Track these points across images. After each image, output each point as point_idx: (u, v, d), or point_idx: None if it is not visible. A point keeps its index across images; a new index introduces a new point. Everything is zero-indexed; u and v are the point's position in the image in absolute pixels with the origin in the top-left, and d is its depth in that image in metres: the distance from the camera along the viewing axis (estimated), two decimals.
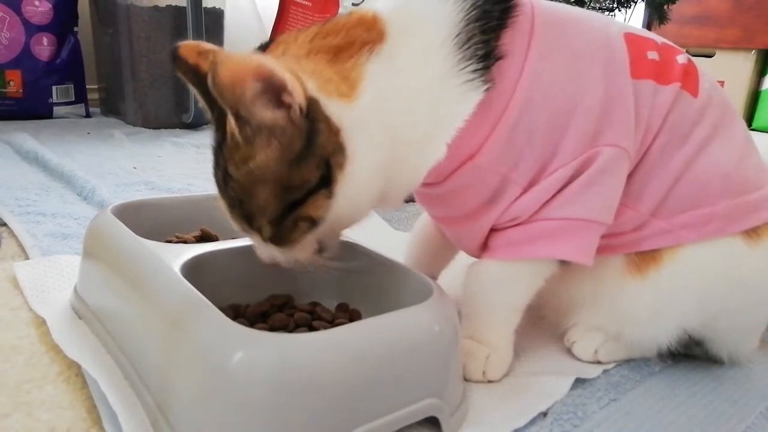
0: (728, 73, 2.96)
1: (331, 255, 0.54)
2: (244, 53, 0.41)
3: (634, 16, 2.33)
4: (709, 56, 3.02)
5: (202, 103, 0.52)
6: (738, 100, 2.95)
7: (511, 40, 0.52)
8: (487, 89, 0.51)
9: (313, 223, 0.49)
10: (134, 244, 0.59)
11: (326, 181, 0.47)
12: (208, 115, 0.51)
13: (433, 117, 0.51)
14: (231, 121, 0.45)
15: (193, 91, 0.52)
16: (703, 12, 2.99)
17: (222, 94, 0.41)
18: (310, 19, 1.33)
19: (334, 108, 0.46)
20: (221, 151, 0.48)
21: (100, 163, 1.42)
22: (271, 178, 0.46)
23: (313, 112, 0.45)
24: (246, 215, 0.48)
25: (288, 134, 0.44)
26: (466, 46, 0.51)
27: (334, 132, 0.46)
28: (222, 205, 0.51)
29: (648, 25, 3.06)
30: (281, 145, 0.45)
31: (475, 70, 0.51)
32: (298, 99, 0.43)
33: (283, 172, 0.46)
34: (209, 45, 0.52)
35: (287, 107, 0.43)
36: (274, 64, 0.42)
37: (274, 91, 0.42)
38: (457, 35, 0.51)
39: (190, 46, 0.51)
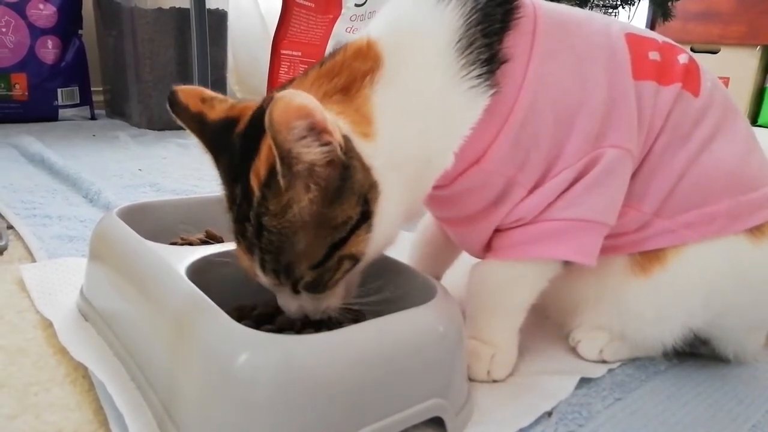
0: (733, 69, 2.94)
1: (354, 295, 0.53)
2: (290, 93, 0.40)
3: (638, 13, 2.32)
4: (714, 53, 3.00)
5: (206, 155, 0.50)
6: (743, 97, 2.93)
7: (514, 43, 0.52)
8: (493, 94, 0.51)
9: (356, 260, 0.48)
10: (139, 247, 0.59)
11: (366, 216, 0.47)
12: (214, 165, 0.50)
13: (442, 128, 0.51)
14: (260, 172, 0.44)
15: (197, 141, 0.50)
16: (708, 8, 2.97)
17: (277, 134, 0.40)
18: (313, 21, 1.33)
19: (362, 147, 0.46)
20: (249, 206, 0.45)
21: (105, 165, 1.43)
22: (314, 220, 0.45)
23: (348, 150, 0.45)
24: (284, 266, 0.46)
25: (327, 174, 0.44)
26: (468, 51, 0.51)
27: (367, 169, 0.46)
28: (246, 264, 0.49)
29: (652, 22, 3.05)
30: (320, 187, 0.44)
31: (480, 75, 0.51)
32: (337, 137, 0.43)
33: (327, 213, 0.45)
34: (210, 92, 0.51)
35: (327, 145, 0.43)
36: (316, 103, 0.41)
37: (317, 130, 0.42)
38: (458, 41, 0.51)
39: (191, 93, 0.51)
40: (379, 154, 0.47)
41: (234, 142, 0.48)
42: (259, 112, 0.48)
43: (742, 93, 2.92)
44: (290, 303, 0.50)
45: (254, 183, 0.45)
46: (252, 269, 0.48)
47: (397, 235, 0.52)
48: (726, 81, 2.95)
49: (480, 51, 0.51)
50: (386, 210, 0.48)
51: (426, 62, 0.51)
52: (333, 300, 0.51)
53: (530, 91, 0.52)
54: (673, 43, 0.62)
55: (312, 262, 0.46)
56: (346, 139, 0.45)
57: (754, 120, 2.98)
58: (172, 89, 0.51)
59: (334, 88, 0.49)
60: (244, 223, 0.46)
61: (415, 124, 0.50)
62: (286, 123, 0.40)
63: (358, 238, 0.47)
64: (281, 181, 0.43)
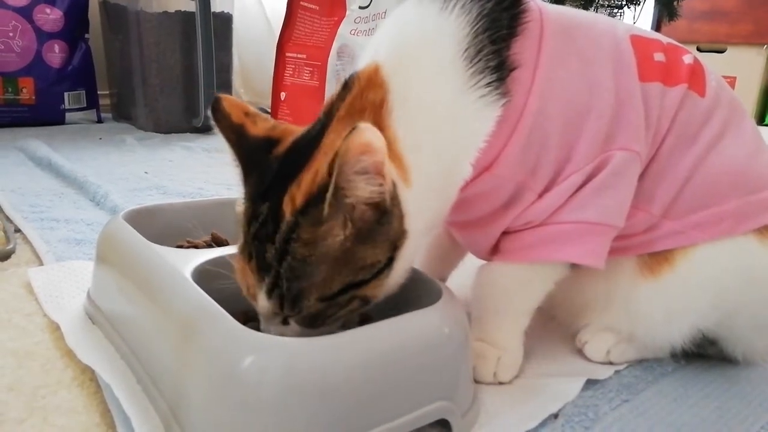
0: (740, 68, 2.93)
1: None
2: (367, 127, 0.40)
3: (644, 13, 2.32)
4: (721, 52, 2.99)
5: (236, 167, 0.50)
6: (750, 96, 2.92)
7: (522, 48, 0.52)
8: (505, 103, 0.51)
9: (367, 302, 0.48)
10: (146, 250, 0.59)
11: (390, 262, 0.47)
12: (242, 180, 0.49)
13: (457, 142, 0.51)
14: (296, 198, 0.44)
15: (229, 150, 0.50)
16: (714, 7, 2.96)
17: (344, 163, 0.40)
18: (318, 23, 1.34)
19: (403, 194, 0.46)
20: (275, 229, 0.45)
21: (112, 168, 1.43)
22: (342, 257, 0.45)
23: (394, 197, 0.45)
24: (293, 294, 0.45)
25: (368, 215, 0.44)
26: (476, 59, 0.50)
27: (402, 216, 0.46)
28: (246, 281, 0.48)
29: (658, 22, 3.04)
30: (357, 227, 0.44)
31: (489, 83, 0.50)
32: (388, 183, 0.43)
33: (357, 252, 0.45)
34: (254, 109, 0.51)
35: (380, 187, 0.43)
36: (383, 143, 0.41)
37: (376, 170, 0.42)
38: (466, 49, 0.50)
39: (236, 104, 0.50)
40: (413, 200, 0.47)
41: (270, 162, 0.48)
42: (304, 140, 0.48)
43: (749, 92, 2.91)
44: (274, 332, 0.48)
45: (287, 207, 0.44)
46: (251, 288, 0.48)
47: (408, 272, 0.51)
48: (733, 80, 2.94)
49: (489, 58, 0.51)
50: (407, 254, 0.48)
51: (433, 76, 0.50)
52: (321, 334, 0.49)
53: (539, 96, 0.52)
54: (678, 43, 0.62)
55: (323, 294, 0.45)
56: (393, 185, 0.45)
57: (761, 119, 2.96)
58: (217, 96, 0.51)
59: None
60: (265, 244, 0.45)
61: (435, 152, 0.50)
62: (357, 154, 0.40)
63: (378, 282, 0.47)
64: (325, 210, 0.43)
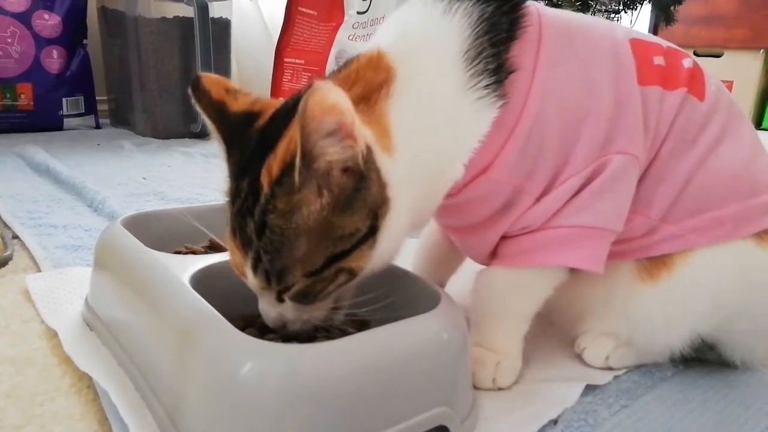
0: (737, 73, 2.94)
1: (345, 309, 0.52)
2: (328, 86, 0.39)
3: (641, 18, 2.32)
4: (718, 56, 3.00)
5: (219, 144, 0.50)
6: (747, 100, 2.93)
7: (520, 52, 0.52)
8: (502, 105, 0.51)
9: (353, 274, 0.47)
10: (144, 256, 0.59)
11: (372, 231, 0.46)
12: (224, 158, 0.49)
13: (452, 140, 0.51)
14: (273, 169, 0.43)
15: (212, 127, 0.50)
16: (711, 12, 2.97)
17: (306, 125, 0.39)
18: (316, 29, 1.34)
19: (382, 161, 0.46)
20: (255, 202, 0.44)
21: (110, 174, 1.43)
22: (320, 227, 0.44)
23: (369, 161, 0.44)
24: (277, 270, 0.45)
25: (342, 181, 0.43)
26: (476, 62, 0.51)
27: (383, 184, 0.46)
28: (236, 261, 0.48)
29: (655, 27, 3.05)
30: (333, 193, 0.43)
31: (488, 86, 0.51)
32: (360, 145, 0.43)
33: (335, 221, 0.44)
34: (235, 85, 0.51)
35: (350, 149, 0.42)
36: (349, 104, 0.41)
37: (344, 131, 0.41)
38: (467, 51, 0.51)
39: (215, 81, 0.50)
40: (395, 170, 0.47)
41: (251, 137, 0.47)
42: (281, 111, 0.48)
43: (746, 96, 2.92)
44: (270, 310, 0.48)
45: (265, 179, 0.44)
46: (241, 267, 0.47)
47: (399, 251, 0.51)
48: (730, 84, 2.95)
49: (488, 61, 0.51)
50: (393, 226, 0.47)
51: (435, 74, 0.51)
52: (317, 312, 0.49)
53: (536, 99, 0.52)
54: (677, 47, 0.62)
55: (308, 269, 0.45)
56: (368, 149, 0.44)
57: (758, 123, 2.97)
58: (198, 74, 0.51)
59: (356, 97, 0.48)
60: (246, 218, 0.45)
61: (427, 139, 0.50)
62: (319, 115, 0.39)
63: (361, 253, 0.46)
64: (296, 179, 0.42)
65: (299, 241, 0.44)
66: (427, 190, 0.52)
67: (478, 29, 0.51)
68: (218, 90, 0.50)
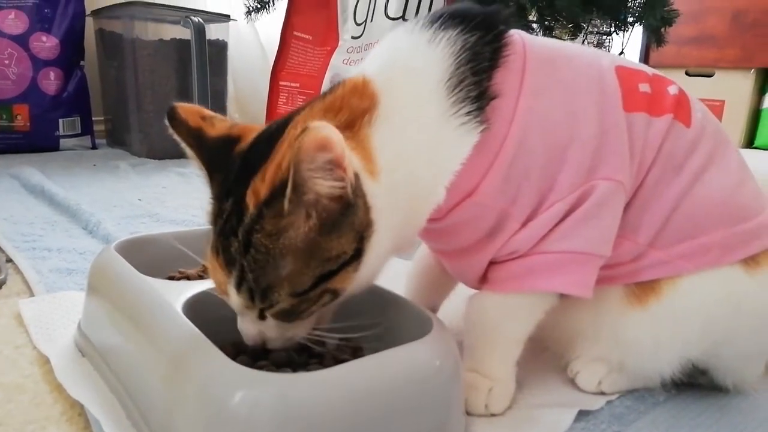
0: (728, 92, 2.97)
1: (326, 326, 0.52)
2: (320, 125, 0.41)
3: (632, 40, 2.35)
4: (709, 76, 3.03)
5: (199, 167, 0.51)
6: (739, 119, 2.96)
7: (504, 79, 0.53)
8: (483, 130, 0.52)
9: (336, 295, 0.48)
10: (137, 282, 0.59)
11: (358, 254, 0.47)
12: (207, 181, 0.51)
13: (433, 165, 0.52)
14: (260, 191, 0.44)
15: (191, 154, 0.51)
16: (702, 32, 3.01)
17: (300, 162, 0.41)
18: (311, 53, 1.36)
19: (368, 186, 0.47)
20: (239, 222, 0.45)
21: (105, 195, 1.44)
22: (307, 248, 0.45)
23: (357, 189, 0.46)
24: (262, 288, 0.45)
25: (331, 207, 0.44)
26: (458, 90, 0.52)
27: (368, 208, 0.47)
28: (218, 279, 0.48)
29: (646, 48, 3.09)
30: (321, 217, 0.44)
31: (469, 112, 0.52)
32: (350, 175, 0.44)
33: (322, 243, 0.45)
34: (210, 112, 0.53)
35: (340, 181, 0.44)
36: (340, 138, 0.42)
37: (335, 164, 0.43)
38: (448, 80, 0.52)
39: (191, 110, 0.52)
40: (379, 194, 0.48)
41: (233, 160, 0.49)
42: (265, 135, 0.49)
43: (737, 115, 2.95)
44: (251, 328, 0.49)
45: (251, 200, 0.45)
46: (223, 286, 0.48)
47: (380, 273, 0.52)
48: (721, 104, 2.98)
49: (469, 89, 0.52)
50: (376, 249, 0.48)
51: (418, 102, 0.52)
52: (299, 330, 0.50)
53: (520, 126, 0.53)
54: (662, 75, 0.63)
55: (295, 289, 0.46)
56: (356, 176, 0.46)
57: (750, 142, 3.00)
58: (172, 105, 0.52)
59: (341, 124, 0.49)
60: (230, 238, 0.46)
61: (409, 163, 0.51)
62: (311, 153, 0.41)
63: (346, 274, 0.47)
64: (286, 206, 0.43)
65: (285, 260, 0.45)
66: (410, 212, 0.52)
67: (460, 58, 0.53)
68: (194, 118, 0.52)
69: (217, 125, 0.52)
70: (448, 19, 0.55)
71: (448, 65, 0.53)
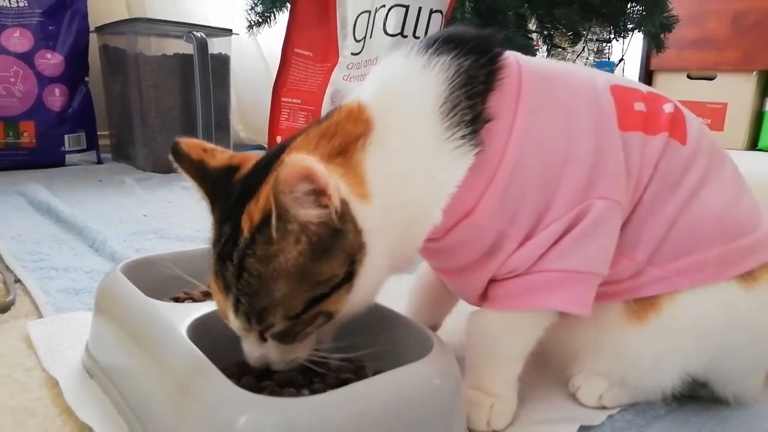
0: (730, 95, 2.98)
1: (327, 346, 0.53)
2: (298, 158, 0.42)
3: (632, 44, 2.36)
4: (711, 79, 3.04)
5: (202, 197, 0.53)
6: (742, 122, 2.96)
7: (499, 102, 0.54)
8: (478, 153, 0.53)
9: (331, 317, 0.49)
10: (143, 305, 0.60)
11: (350, 277, 0.48)
12: (209, 208, 0.52)
13: (429, 188, 0.53)
14: (254, 215, 0.46)
15: (195, 186, 0.54)
16: (703, 35, 3.02)
17: (279, 194, 0.43)
18: (312, 69, 1.37)
19: (358, 209, 0.48)
20: (234, 246, 0.47)
21: (111, 211, 1.45)
22: (298, 272, 0.46)
23: (344, 214, 0.47)
24: (257, 311, 0.47)
25: (319, 232, 0.45)
26: (452, 114, 0.53)
27: (359, 231, 0.48)
28: (219, 303, 0.50)
29: (647, 53, 3.09)
30: (311, 242, 0.46)
31: (464, 136, 0.53)
32: (335, 203, 0.45)
33: (312, 267, 0.46)
34: (211, 144, 0.55)
35: (325, 208, 0.45)
36: (320, 167, 0.43)
37: (318, 192, 0.44)
38: (443, 104, 0.53)
39: (192, 144, 0.54)
40: (371, 217, 0.49)
41: (233, 187, 0.50)
42: (263, 161, 0.51)
43: (740, 118, 2.95)
44: (254, 350, 0.50)
45: (245, 224, 0.46)
46: (224, 309, 0.49)
47: (377, 294, 0.54)
48: (724, 107, 2.98)
49: (464, 113, 0.53)
50: (369, 271, 0.49)
51: (413, 126, 0.53)
52: (300, 351, 0.51)
53: (516, 147, 0.54)
54: (658, 92, 0.64)
55: (288, 312, 0.47)
56: (343, 203, 0.46)
57: (753, 144, 2.99)
58: (175, 140, 0.54)
59: (334, 149, 0.51)
60: (226, 262, 0.47)
61: (403, 186, 0.52)
62: (290, 184, 0.42)
63: (339, 297, 0.48)
64: (274, 233, 0.45)
65: (277, 284, 0.46)
66: (406, 234, 0.53)
67: (454, 83, 0.54)
68: (197, 151, 0.54)
69: (218, 156, 0.54)
70: (442, 44, 0.56)
71: (442, 90, 0.54)
